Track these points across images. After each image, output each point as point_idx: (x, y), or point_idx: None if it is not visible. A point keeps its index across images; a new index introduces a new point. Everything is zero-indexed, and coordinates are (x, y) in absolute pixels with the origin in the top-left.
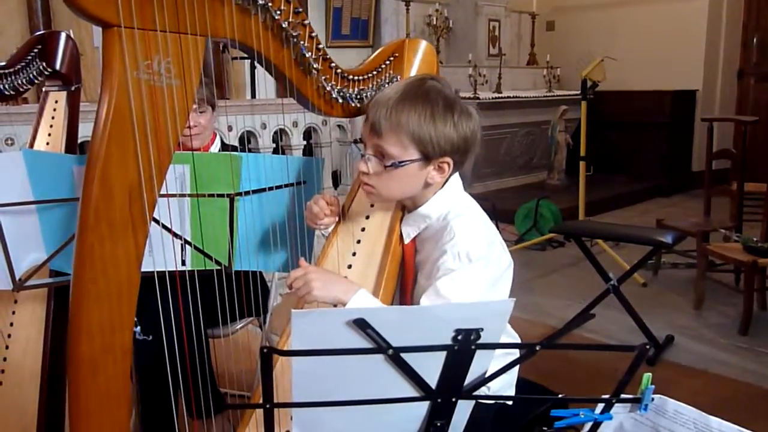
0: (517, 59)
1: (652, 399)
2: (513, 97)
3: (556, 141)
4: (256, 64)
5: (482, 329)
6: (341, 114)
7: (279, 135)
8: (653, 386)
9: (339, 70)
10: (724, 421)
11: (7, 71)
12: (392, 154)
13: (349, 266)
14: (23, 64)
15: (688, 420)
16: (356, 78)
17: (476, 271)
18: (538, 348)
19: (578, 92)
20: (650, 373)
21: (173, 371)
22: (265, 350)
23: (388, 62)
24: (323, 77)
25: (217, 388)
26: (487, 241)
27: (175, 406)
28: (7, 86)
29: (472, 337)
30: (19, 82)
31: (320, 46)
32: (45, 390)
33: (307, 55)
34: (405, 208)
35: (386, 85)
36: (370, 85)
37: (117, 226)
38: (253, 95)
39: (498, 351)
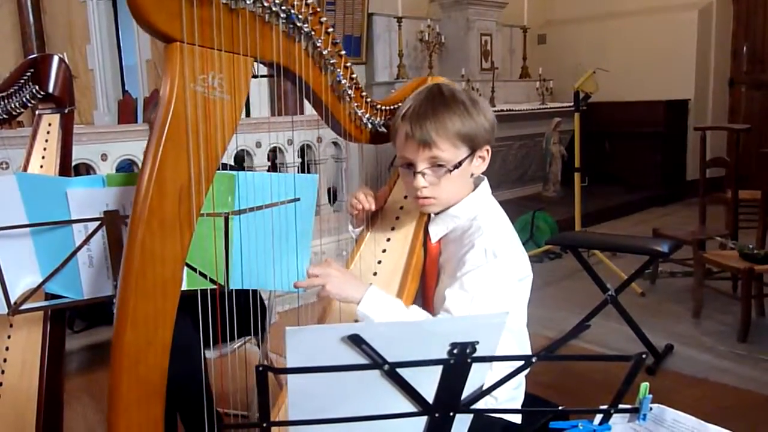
0: (510, 73)
1: (651, 408)
2: (506, 110)
3: (551, 153)
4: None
5: (477, 342)
6: (368, 140)
7: (274, 153)
8: (651, 395)
9: (369, 99)
10: (723, 429)
11: None
12: (448, 158)
13: (379, 262)
14: (16, 87)
15: (687, 429)
16: (383, 108)
17: (501, 268)
18: (534, 359)
19: (571, 104)
20: (647, 383)
21: (171, 392)
22: (260, 368)
23: None
24: (355, 104)
25: (215, 409)
26: (511, 243)
27: (174, 427)
28: None
29: (467, 351)
30: (12, 105)
31: (354, 75)
32: (42, 413)
33: (342, 82)
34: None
35: None
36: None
37: (167, 223)
38: (248, 114)
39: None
